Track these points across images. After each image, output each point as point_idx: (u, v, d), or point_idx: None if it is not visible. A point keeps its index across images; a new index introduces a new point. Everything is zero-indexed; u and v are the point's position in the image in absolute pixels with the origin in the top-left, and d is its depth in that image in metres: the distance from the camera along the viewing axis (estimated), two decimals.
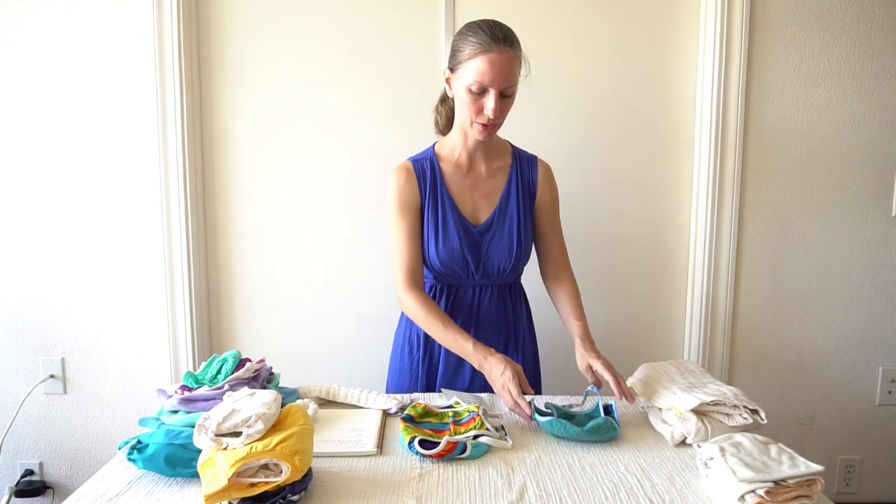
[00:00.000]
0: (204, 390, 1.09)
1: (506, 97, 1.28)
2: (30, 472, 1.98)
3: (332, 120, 1.86)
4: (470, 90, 1.26)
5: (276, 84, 1.85)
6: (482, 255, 1.39)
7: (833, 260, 1.93)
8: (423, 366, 1.45)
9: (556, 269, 1.47)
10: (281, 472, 0.85)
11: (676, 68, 1.87)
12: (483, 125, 1.30)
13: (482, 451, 1.06)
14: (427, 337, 1.44)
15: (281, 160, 1.88)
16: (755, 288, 1.94)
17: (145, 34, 1.79)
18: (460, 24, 1.80)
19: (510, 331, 1.47)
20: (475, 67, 1.24)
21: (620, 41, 1.85)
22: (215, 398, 1.06)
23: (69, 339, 1.93)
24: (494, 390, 1.24)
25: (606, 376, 1.22)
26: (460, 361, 1.42)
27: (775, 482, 0.86)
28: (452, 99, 1.36)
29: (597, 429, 1.09)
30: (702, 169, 1.87)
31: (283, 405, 0.96)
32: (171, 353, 1.90)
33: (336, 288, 1.91)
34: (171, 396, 1.09)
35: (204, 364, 1.18)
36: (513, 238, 1.39)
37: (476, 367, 1.28)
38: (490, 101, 1.26)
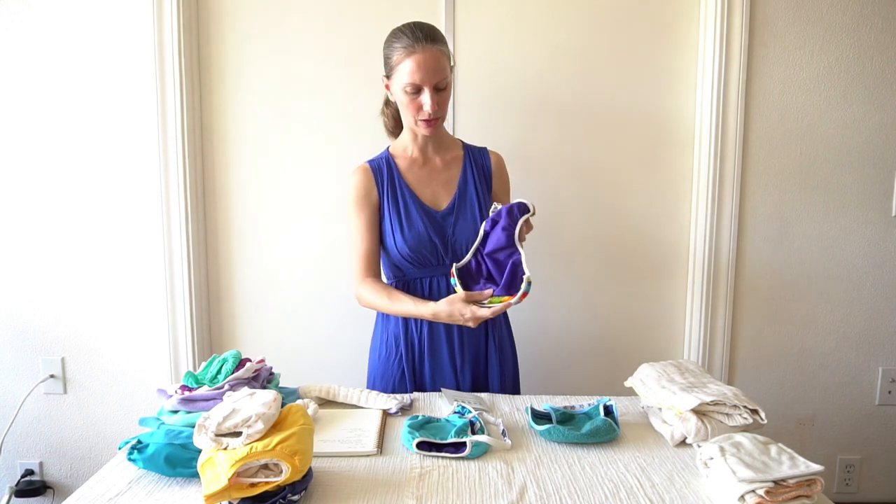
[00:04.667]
0: (204, 390, 1.09)
1: (440, 90, 1.36)
2: (30, 472, 1.98)
3: (331, 120, 1.86)
4: (406, 91, 1.35)
5: (276, 84, 1.85)
6: (448, 237, 1.43)
7: (833, 260, 1.93)
8: (406, 365, 1.46)
9: None
10: (281, 472, 0.85)
11: (676, 68, 1.87)
12: (426, 121, 1.38)
13: (482, 451, 1.06)
14: (405, 337, 1.46)
15: (281, 160, 1.88)
16: (755, 287, 1.94)
17: (145, 34, 1.79)
18: (460, 24, 1.82)
19: (488, 326, 1.48)
20: (405, 70, 1.33)
21: (620, 41, 1.85)
22: (215, 398, 1.06)
23: (69, 339, 1.93)
24: (461, 318, 1.31)
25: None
26: (442, 360, 1.44)
27: (775, 482, 0.86)
28: (395, 102, 1.44)
29: (595, 431, 1.09)
30: (702, 169, 1.87)
31: (283, 405, 0.96)
32: (171, 353, 1.90)
33: (336, 288, 1.91)
34: (171, 396, 1.10)
35: (204, 364, 1.18)
36: (476, 218, 1.44)
37: (435, 317, 1.36)
38: (426, 97, 1.34)
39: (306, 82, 1.85)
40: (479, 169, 1.50)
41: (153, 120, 1.81)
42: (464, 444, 1.04)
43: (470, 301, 1.30)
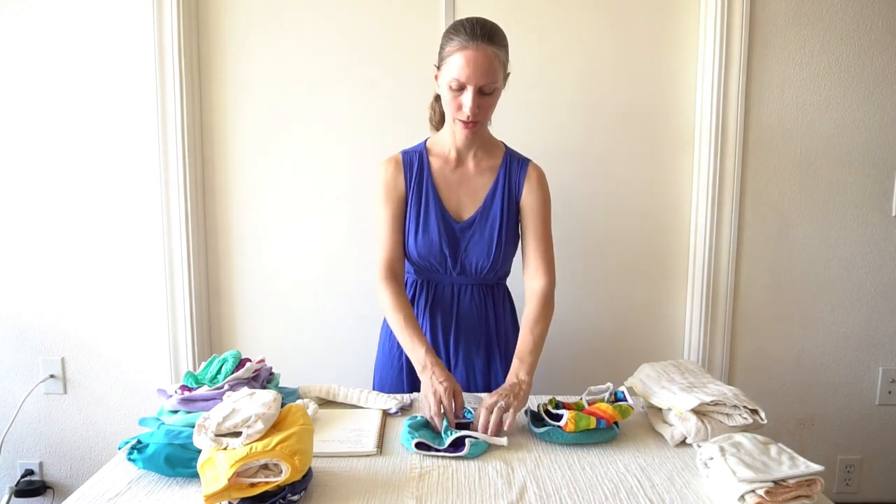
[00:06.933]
0: (204, 390, 1.09)
1: (486, 95, 1.27)
2: (30, 472, 1.98)
3: (332, 120, 1.86)
4: (450, 87, 1.27)
5: (277, 84, 1.85)
6: (460, 252, 1.40)
7: (833, 260, 1.93)
8: (405, 362, 1.44)
9: (531, 276, 1.43)
10: (281, 472, 0.85)
11: (676, 68, 1.87)
12: (463, 122, 1.30)
13: (481, 451, 1.06)
14: None
15: (281, 160, 1.88)
16: (755, 288, 1.94)
17: (145, 34, 1.79)
18: None
19: (491, 332, 1.46)
20: (454, 64, 1.25)
21: (621, 41, 1.85)
22: (215, 398, 1.06)
23: (69, 339, 1.93)
24: (422, 395, 1.21)
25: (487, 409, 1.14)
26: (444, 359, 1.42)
27: (775, 482, 0.86)
28: None
29: (595, 432, 1.09)
30: (702, 169, 1.87)
31: (283, 405, 0.96)
32: (171, 353, 1.90)
33: (336, 288, 1.91)
34: (171, 396, 1.09)
35: (204, 364, 1.18)
36: (493, 239, 1.39)
37: (419, 370, 1.24)
38: (467, 97, 1.25)
39: (306, 81, 1.85)
40: (511, 184, 1.40)
41: (153, 119, 1.81)
42: (463, 443, 1.04)
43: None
